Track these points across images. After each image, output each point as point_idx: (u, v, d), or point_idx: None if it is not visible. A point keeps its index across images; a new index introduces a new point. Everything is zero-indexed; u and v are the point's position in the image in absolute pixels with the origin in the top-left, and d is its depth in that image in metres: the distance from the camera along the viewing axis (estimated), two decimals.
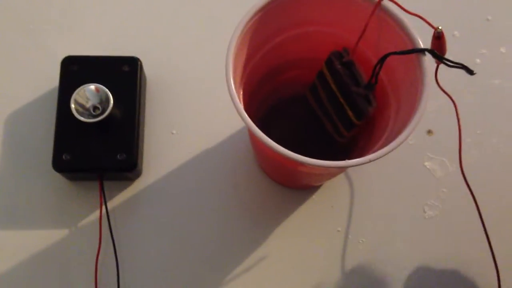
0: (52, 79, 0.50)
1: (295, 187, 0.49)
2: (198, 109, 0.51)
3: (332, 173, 0.43)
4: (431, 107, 0.51)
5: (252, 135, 0.41)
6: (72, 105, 0.44)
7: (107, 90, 0.45)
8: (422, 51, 0.35)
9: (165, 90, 0.51)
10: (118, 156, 0.46)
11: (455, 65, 0.35)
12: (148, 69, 0.51)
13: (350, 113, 0.42)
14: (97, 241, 0.46)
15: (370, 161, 0.33)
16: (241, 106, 0.34)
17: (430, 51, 0.35)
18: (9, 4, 0.53)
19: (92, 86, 0.45)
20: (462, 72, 0.35)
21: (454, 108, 0.37)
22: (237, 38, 0.35)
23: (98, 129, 0.46)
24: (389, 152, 0.33)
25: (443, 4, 0.55)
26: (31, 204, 0.48)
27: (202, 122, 0.51)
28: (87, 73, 0.47)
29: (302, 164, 0.33)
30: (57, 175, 0.47)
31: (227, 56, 0.35)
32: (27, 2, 0.54)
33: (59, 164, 0.45)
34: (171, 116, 0.51)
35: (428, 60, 0.35)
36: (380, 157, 0.33)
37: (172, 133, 0.50)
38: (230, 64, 0.35)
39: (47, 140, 0.48)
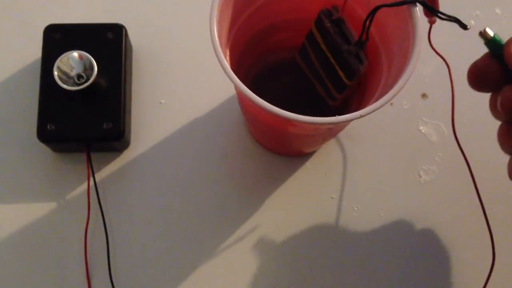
0: (35, 49, 0.48)
1: (287, 154, 0.48)
2: (186, 78, 0.50)
3: (323, 134, 0.42)
4: (426, 70, 0.50)
5: (240, 96, 0.40)
6: (55, 73, 0.43)
7: (91, 57, 0.44)
8: (414, 1, 0.34)
9: (153, 59, 0.50)
10: (104, 125, 0.45)
11: (448, 18, 0.34)
12: (134, 37, 0.49)
13: (341, 73, 0.40)
14: (86, 214, 0.45)
15: (360, 116, 0.32)
16: (227, 65, 0.33)
17: (422, 2, 0.34)
18: None
19: (75, 53, 0.44)
20: (455, 33, 0.34)
21: (448, 71, 0.36)
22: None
23: (83, 98, 0.45)
24: (381, 106, 0.32)
25: None
26: (17, 176, 0.47)
27: (191, 91, 0.50)
28: (70, 42, 0.46)
29: (290, 121, 0.32)
30: (43, 147, 0.46)
31: (211, 16, 0.34)
32: None
33: (43, 134, 0.44)
34: (159, 85, 0.50)
35: (421, 16, 0.34)
36: (371, 111, 0.32)
37: (161, 103, 0.49)
38: (214, 24, 0.34)
39: (32, 111, 0.47)
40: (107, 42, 0.46)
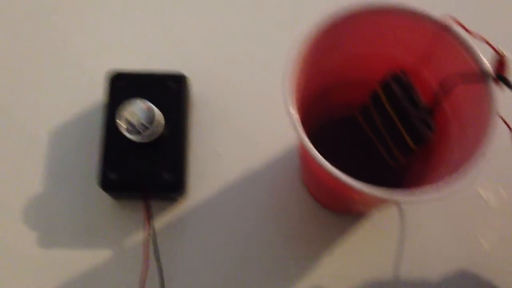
0: (95, 95, 0.49)
1: (346, 213, 0.48)
2: (244, 128, 0.50)
3: (387, 201, 0.42)
4: None
5: (305, 155, 0.40)
6: (120, 122, 0.44)
7: (155, 108, 0.45)
8: (491, 78, 0.33)
9: (211, 108, 0.51)
10: (164, 175, 0.45)
11: None
12: (193, 85, 0.50)
13: (407, 138, 0.40)
14: (141, 261, 0.45)
15: (441, 197, 0.31)
16: (300, 127, 0.33)
17: (501, 78, 0.33)
18: (50, 19, 0.53)
19: (140, 103, 0.45)
20: None
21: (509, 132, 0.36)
22: (296, 55, 0.34)
23: (144, 147, 0.45)
24: (464, 186, 0.31)
25: (504, 26, 0.53)
26: (74, 220, 0.47)
27: (248, 142, 0.50)
28: (133, 89, 0.47)
29: (360, 193, 0.32)
30: (101, 193, 0.46)
31: (285, 73, 0.34)
32: (69, 17, 0.53)
33: (105, 183, 0.45)
34: (217, 134, 0.50)
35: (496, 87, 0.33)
36: (452, 192, 0.31)
37: (218, 152, 0.49)
38: (288, 81, 0.34)
39: (90, 156, 0.48)
40: (169, 91, 0.47)
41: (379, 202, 0.42)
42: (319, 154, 0.32)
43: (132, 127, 0.44)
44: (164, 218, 0.48)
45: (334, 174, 0.32)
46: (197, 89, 0.50)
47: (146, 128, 0.44)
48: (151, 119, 0.45)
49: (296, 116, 0.33)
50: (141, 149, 0.45)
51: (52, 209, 0.47)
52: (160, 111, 0.45)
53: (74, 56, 0.52)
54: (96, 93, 0.49)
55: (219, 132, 0.50)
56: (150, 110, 0.45)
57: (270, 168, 0.49)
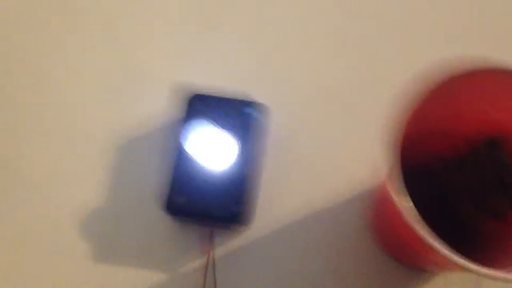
0: (168, 109, 0.48)
1: (412, 267, 0.45)
2: (317, 164, 0.48)
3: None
4: None
5: (388, 207, 0.38)
6: (194, 149, 0.42)
7: (233, 138, 0.43)
8: None
9: (286, 140, 0.49)
10: (232, 207, 0.43)
11: None
12: (271, 114, 0.48)
13: (503, 202, 0.37)
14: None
15: None
16: (400, 177, 0.30)
17: None
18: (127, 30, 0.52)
19: (218, 131, 0.43)
20: None
21: None
22: (405, 108, 0.32)
23: (215, 174, 0.44)
24: None
25: None
26: (132, 239, 0.46)
27: (319, 179, 0.48)
28: (211, 113, 0.45)
29: (451, 263, 0.29)
30: (164, 214, 0.44)
31: (392, 124, 0.32)
32: (149, 31, 0.52)
33: (171, 205, 0.43)
34: (287, 167, 0.48)
35: None
36: None
37: (287, 185, 0.47)
38: (395, 134, 0.32)
39: (157, 174, 0.46)
40: (247, 120, 0.45)
41: (462, 270, 0.39)
42: (417, 216, 0.30)
43: (205, 154, 0.43)
44: (224, 246, 0.46)
45: (429, 242, 0.29)
46: (274, 118, 0.48)
47: (219, 155, 0.43)
48: (225, 146, 0.43)
49: (399, 171, 0.31)
50: (211, 176, 0.44)
51: (112, 224, 0.46)
52: (236, 139, 0.43)
53: (152, 70, 0.51)
54: (170, 109, 0.47)
55: (290, 164, 0.48)
56: (225, 138, 0.43)
57: (337, 209, 0.47)
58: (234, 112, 0.45)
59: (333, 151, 0.48)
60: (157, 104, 0.50)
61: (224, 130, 0.43)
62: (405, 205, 0.30)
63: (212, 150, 0.44)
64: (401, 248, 0.42)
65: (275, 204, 0.47)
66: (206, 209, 0.43)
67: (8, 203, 0.47)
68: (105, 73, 0.51)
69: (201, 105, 0.45)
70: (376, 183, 0.44)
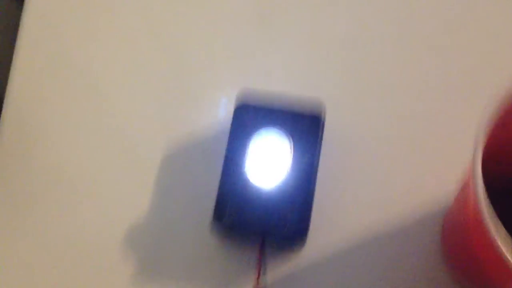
0: (217, 118, 0.45)
1: None
2: (380, 175, 0.44)
3: None
4: None
5: (471, 234, 0.33)
6: (245, 165, 0.39)
7: (287, 146, 0.39)
8: None
9: (342, 146, 0.44)
10: (287, 224, 0.39)
11: None
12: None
13: None
14: None
15: None
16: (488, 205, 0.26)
17: None
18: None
19: (270, 141, 0.40)
20: None
21: None
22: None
23: (269, 190, 0.40)
24: None
25: None
26: (177, 256, 0.43)
27: (383, 193, 0.43)
28: (261, 123, 0.41)
29: None
30: (211, 230, 0.41)
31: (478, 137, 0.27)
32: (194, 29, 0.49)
33: (220, 222, 0.40)
34: (346, 178, 0.44)
35: None
36: None
37: (345, 199, 0.43)
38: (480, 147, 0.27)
39: (206, 187, 0.43)
40: (302, 130, 0.41)
41: None
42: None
43: (256, 168, 0.39)
44: (276, 269, 0.42)
45: None
46: (330, 120, 0.44)
47: (272, 167, 0.39)
48: (278, 158, 0.39)
49: (484, 195, 0.26)
50: (265, 192, 0.40)
51: (156, 239, 0.43)
52: (290, 149, 0.40)
53: (198, 73, 0.48)
54: (223, 118, 0.44)
55: (349, 175, 0.44)
56: (278, 148, 0.40)
57: (405, 230, 0.42)
58: (288, 122, 0.41)
59: (401, 162, 0.44)
60: (210, 113, 0.46)
61: (281, 140, 0.40)
62: (498, 234, 0.25)
63: (263, 162, 0.40)
64: (484, 281, 0.37)
65: (331, 221, 0.43)
66: (258, 226, 0.40)
67: (56, 211, 0.45)
68: (155, 80, 0.48)
69: (250, 115, 0.42)
70: (454, 202, 0.39)
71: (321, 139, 0.42)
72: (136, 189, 0.45)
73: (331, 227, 0.43)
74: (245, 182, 0.40)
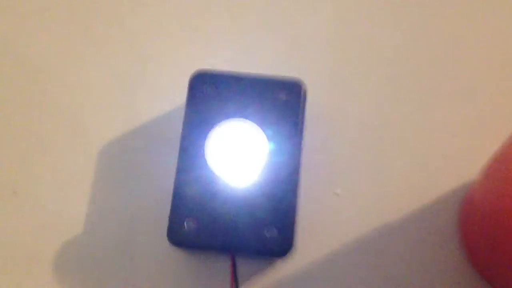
0: (170, 99, 0.35)
1: None
2: (376, 160, 0.35)
3: None
4: None
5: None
6: (207, 154, 0.29)
7: (261, 130, 0.30)
8: None
9: (327, 130, 0.35)
10: (266, 232, 0.30)
11: None
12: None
13: None
14: None
15: None
16: None
17: None
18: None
19: (239, 124, 0.30)
20: None
21: None
22: None
23: (239, 190, 0.30)
24: None
25: None
26: (140, 280, 0.33)
27: (382, 180, 0.34)
28: (225, 100, 0.32)
29: None
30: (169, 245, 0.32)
31: None
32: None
33: (177, 236, 0.30)
34: (335, 168, 0.34)
35: None
36: None
37: (336, 194, 0.34)
38: None
39: (159, 189, 0.33)
40: (279, 106, 0.31)
41: None
42: None
43: (220, 159, 0.30)
44: (255, 283, 0.33)
45: None
46: (310, 101, 0.34)
47: (241, 159, 0.30)
48: (249, 146, 0.30)
49: None
50: (233, 191, 0.30)
51: (116, 260, 0.33)
52: (265, 135, 0.30)
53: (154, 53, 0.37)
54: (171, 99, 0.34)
55: (338, 164, 0.35)
56: (250, 134, 0.30)
57: (411, 220, 0.34)
58: (259, 96, 0.32)
59: (402, 140, 0.35)
60: (160, 91, 0.36)
61: (246, 123, 0.30)
62: None
63: (230, 152, 0.30)
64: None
65: (321, 222, 0.34)
66: (228, 237, 0.30)
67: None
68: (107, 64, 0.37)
69: (210, 88, 0.32)
70: (478, 186, 0.31)
71: (303, 118, 0.32)
72: (76, 191, 0.34)
73: (322, 227, 0.34)
74: (208, 180, 0.30)
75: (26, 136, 0.36)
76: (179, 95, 0.33)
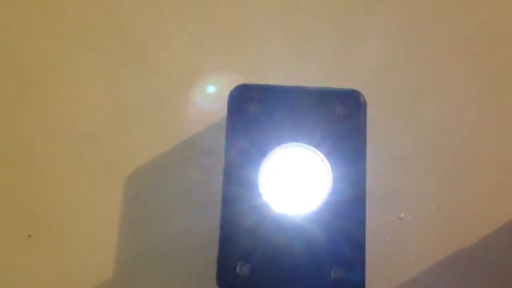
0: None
1: None
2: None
3: None
4: None
5: None
6: (259, 182, 0.25)
7: (320, 153, 0.25)
8: None
9: (385, 145, 0.31)
10: (332, 273, 0.25)
11: None
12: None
13: None
14: None
15: None
16: None
17: None
18: None
19: (294, 148, 0.25)
20: None
21: None
22: None
23: (298, 222, 0.26)
24: None
25: None
26: None
27: (452, 201, 0.30)
28: (273, 117, 0.27)
29: None
30: None
31: None
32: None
33: (227, 281, 0.26)
34: (396, 188, 0.30)
35: None
36: None
37: (400, 218, 0.30)
38: None
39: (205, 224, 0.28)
40: (336, 123, 0.27)
41: None
42: None
43: (281, 191, 0.25)
44: None
45: None
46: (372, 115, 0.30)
47: (307, 193, 0.25)
48: (308, 173, 0.25)
49: None
50: (291, 225, 0.26)
51: None
52: (324, 157, 0.26)
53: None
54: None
55: (399, 184, 0.30)
56: (308, 160, 0.26)
57: (487, 246, 0.29)
58: (314, 111, 0.27)
59: (470, 158, 0.30)
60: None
61: (311, 150, 0.26)
62: None
63: (287, 181, 0.26)
64: None
65: (387, 249, 0.29)
66: (286, 279, 0.26)
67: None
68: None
69: (255, 106, 0.27)
70: None
71: (365, 133, 0.28)
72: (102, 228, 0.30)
73: (386, 255, 0.29)
74: (262, 213, 0.26)
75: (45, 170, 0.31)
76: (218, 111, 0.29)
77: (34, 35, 0.32)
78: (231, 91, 0.27)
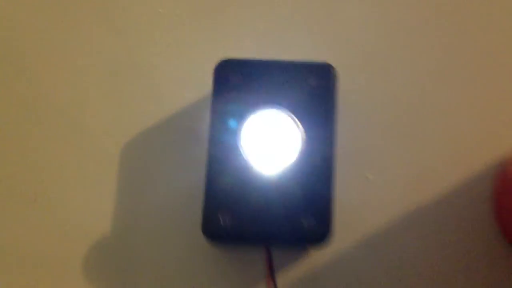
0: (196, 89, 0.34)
1: None
2: (408, 144, 0.34)
3: None
4: None
5: None
6: (241, 143, 0.28)
7: (294, 118, 0.29)
8: None
9: (357, 114, 0.34)
10: (302, 221, 0.29)
11: None
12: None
13: None
14: None
15: None
16: None
17: None
18: None
19: (272, 113, 0.29)
20: None
21: None
22: None
23: (273, 178, 0.30)
24: None
25: None
26: (175, 275, 0.33)
27: (413, 163, 0.34)
28: (254, 88, 0.31)
29: None
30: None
31: None
32: None
33: (212, 230, 0.30)
34: (366, 152, 0.34)
35: None
36: None
37: (367, 178, 0.33)
38: None
39: (191, 185, 0.32)
40: (308, 91, 0.31)
41: None
42: None
43: (254, 151, 0.29)
44: (289, 273, 0.33)
45: None
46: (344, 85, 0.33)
47: (282, 152, 0.29)
48: (283, 135, 0.29)
49: None
50: (268, 181, 0.30)
51: (148, 256, 0.33)
52: (298, 121, 0.30)
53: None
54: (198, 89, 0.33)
55: (369, 148, 0.34)
56: (282, 122, 0.29)
57: (445, 198, 0.33)
58: (284, 81, 0.31)
59: (432, 118, 0.34)
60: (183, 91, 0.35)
61: (279, 112, 0.29)
62: None
63: (265, 142, 0.30)
64: None
65: (354, 208, 0.33)
66: (263, 229, 0.30)
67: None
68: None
69: (237, 77, 0.31)
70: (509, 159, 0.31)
71: (336, 103, 0.31)
72: (102, 189, 0.34)
73: (355, 214, 0.33)
74: (242, 171, 0.30)
75: (42, 139, 0.35)
76: (203, 86, 0.32)
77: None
78: (216, 66, 0.31)
